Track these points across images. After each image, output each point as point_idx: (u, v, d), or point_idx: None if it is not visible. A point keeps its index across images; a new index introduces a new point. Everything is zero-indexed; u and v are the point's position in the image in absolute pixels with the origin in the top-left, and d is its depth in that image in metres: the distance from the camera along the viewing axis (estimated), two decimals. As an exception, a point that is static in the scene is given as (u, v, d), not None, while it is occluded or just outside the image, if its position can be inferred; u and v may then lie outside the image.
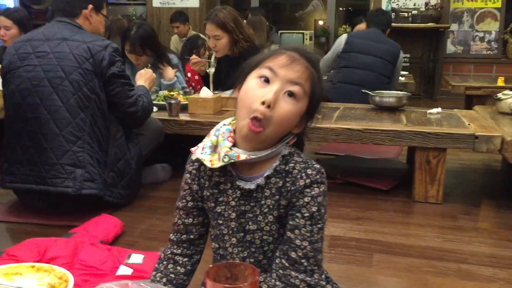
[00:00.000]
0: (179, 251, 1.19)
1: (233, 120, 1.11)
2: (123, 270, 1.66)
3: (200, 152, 1.08)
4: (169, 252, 1.20)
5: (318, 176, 1.06)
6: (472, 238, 2.10)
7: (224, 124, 1.11)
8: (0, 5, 6.36)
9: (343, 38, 3.93)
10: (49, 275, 0.95)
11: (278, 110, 1.01)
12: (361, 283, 1.71)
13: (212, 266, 0.80)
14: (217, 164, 1.05)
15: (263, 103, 0.99)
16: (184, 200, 1.18)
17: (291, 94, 1.02)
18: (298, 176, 1.05)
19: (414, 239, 2.08)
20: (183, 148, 3.17)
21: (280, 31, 6.51)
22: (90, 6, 2.36)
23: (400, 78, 4.24)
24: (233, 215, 1.10)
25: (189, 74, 3.93)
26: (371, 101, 3.06)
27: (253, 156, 1.03)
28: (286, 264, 1.05)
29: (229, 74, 3.40)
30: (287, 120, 1.03)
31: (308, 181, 1.05)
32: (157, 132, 2.64)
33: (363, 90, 3.16)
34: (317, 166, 1.09)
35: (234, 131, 1.09)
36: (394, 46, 3.78)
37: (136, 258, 1.74)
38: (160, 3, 6.99)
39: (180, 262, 1.19)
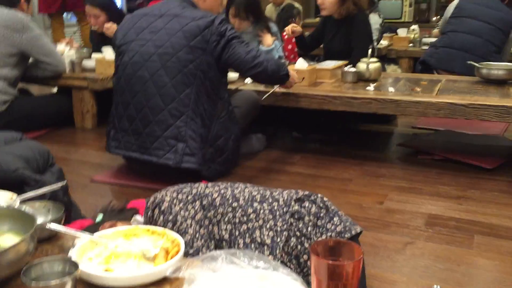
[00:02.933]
0: None
1: None
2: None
3: None
4: None
5: None
6: None
7: None
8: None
9: (454, 3, 3.73)
10: (162, 239, 1.02)
11: None
12: (460, 265, 1.66)
13: (316, 241, 0.82)
14: None
15: None
16: None
17: None
18: None
19: (520, 223, 1.96)
20: (277, 119, 3.25)
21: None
22: None
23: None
24: None
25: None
26: (477, 73, 2.88)
27: None
28: None
29: (334, 37, 3.38)
30: None
31: None
32: (254, 104, 2.69)
33: (468, 61, 2.97)
34: None
35: None
36: (509, 14, 3.49)
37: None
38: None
39: None
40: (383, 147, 3.03)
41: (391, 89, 2.69)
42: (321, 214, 1.28)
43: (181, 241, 0.99)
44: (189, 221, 1.25)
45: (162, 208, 1.26)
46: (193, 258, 0.89)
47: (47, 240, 1.07)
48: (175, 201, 1.27)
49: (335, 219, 1.29)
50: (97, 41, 3.88)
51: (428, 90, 2.66)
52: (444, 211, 2.07)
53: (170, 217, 1.24)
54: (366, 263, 1.63)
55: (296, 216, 1.25)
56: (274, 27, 3.48)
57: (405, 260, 1.69)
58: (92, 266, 0.93)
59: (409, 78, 3.13)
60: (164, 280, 0.91)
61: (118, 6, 3.87)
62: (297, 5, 5.48)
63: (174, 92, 2.25)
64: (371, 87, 2.74)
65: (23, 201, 1.14)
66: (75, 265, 0.85)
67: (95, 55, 3.60)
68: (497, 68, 2.85)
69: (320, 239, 1.27)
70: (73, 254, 0.94)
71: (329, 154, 2.81)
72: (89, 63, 3.53)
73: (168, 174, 2.34)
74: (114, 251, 0.98)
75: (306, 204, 1.29)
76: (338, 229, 1.28)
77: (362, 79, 2.93)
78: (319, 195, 1.32)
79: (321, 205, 1.30)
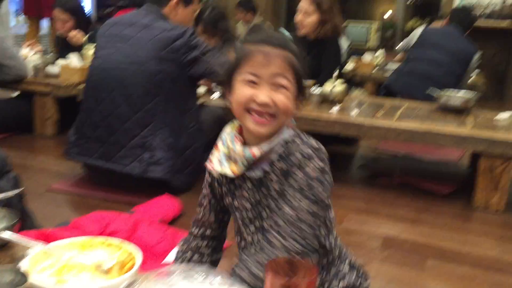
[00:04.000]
0: (204, 243, 1.24)
1: (232, 125, 1.15)
2: (173, 256, 1.71)
3: (219, 166, 1.12)
4: (193, 245, 1.24)
5: (316, 153, 1.09)
6: (534, 252, 2.03)
7: (227, 132, 1.14)
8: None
9: (418, 31, 3.88)
10: (119, 251, 1.01)
11: (278, 104, 1.04)
12: (412, 287, 1.70)
13: (272, 259, 0.83)
14: (239, 170, 1.08)
15: (260, 104, 1.04)
16: (206, 198, 1.23)
17: (280, 86, 1.05)
18: (299, 156, 1.08)
19: (471, 247, 2.03)
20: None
21: (346, 21, 6.42)
22: None
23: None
24: (248, 205, 1.13)
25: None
26: (436, 101, 2.98)
27: (265, 148, 1.06)
28: (271, 230, 1.06)
29: (305, 58, 3.42)
30: (287, 108, 1.06)
31: (305, 157, 1.08)
32: (219, 120, 2.69)
33: (428, 89, 3.08)
34: (316, 145, 1.11)
35: (240, 132, 1.12)
36: (469, 47, 3.65)
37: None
38: (228, -12, 7.03)
39: (206, 253, 1.23)
40: (345, 168, 3.09)
41: (354, 112, 2.76)
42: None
43: (137, 254, 0.98)
44: None
45: None
46: (148, 273, 0.88)
47: (-3, 249, 1.04)
48: None
49: None
50: (62, 46, 3.82)
51: (389, 115, 2.73)
52: (400, 233, 2.13)
53: None
54: None
55: None
56: None
57: (360, 280, 1.72)
58: (43, 277, 0.91)
59: (372, 102, 3.21)
60: (118, 293, 0.90)
61: (86, 14, 3.83)
62: (267, 22, 5.56)
63: (141, 102, 2.24)
64: (335, 109, 2.80)
65: (-26, 208, 1.10)
66: (24, 277, 0.83)
67: (59, 61, 3.54)
68: (455, 97, 2.97)
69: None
70: (24, 264, 0.92)
71: (292, 173, 2.84)
72: (53, 69, 3.47)
73: (134, 184, 2.31)
74: (68, 263, 0.96)
75: None
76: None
77: (327, 100, 2.99)
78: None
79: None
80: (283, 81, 1.06)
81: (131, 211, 2.05)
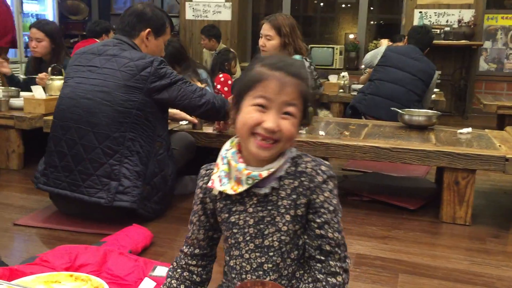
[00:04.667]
0: (194, 262, 1.27)
1: (232, 143, 1.17)
2: (147, 283, 1.69)
3: (219, 185, 1.14)
4: (183, 263, 1.27)
5: (331, 171, 1.17)
6: (501, 262, 2.07)
7: (227, 149, 1.16)
8: (39, 15, 6.60)
9: (381, 49, 3.98)
10: (86, 284, 1.00)
11: (282, 131, 1.09)
12: (385, 304, 1.71)
13: (244, 282, 0.84)
14: (241, 188, 1.11)
15: (266, 130, 1.08)
16: (197, 215, 1.25)
17: (288, 113, 1.10)
18: (314, 173, 1.14)
19: (441, 261, 2.06)
20: (212, 160, 3.26)
21: (310, 45, 6.55)
22: (148, 29, 2.43)
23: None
24: (251, 221, 1.15)
25: (218, 86, 4.01)
26: (400, 119, 3.06)
27: (272, 170, 1.09)
28: (322, 258, 1.15)
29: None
30: (292, 135, 1.11)
31: (325, 176, 1.14)
32: (189, 147, 2.70)
33: (392, 108, 3.16)
34: (327, 162, 1.19)
35: (239, 151, 1.14)
36: (429, 66, 3.78)
37: (161, 270, 1.77)
38: (193, 15, 7.13)
39: (196, 271, 1.26)
40: (315, 188, 3.11)
41: (321, 132, 2.80)
42: None
43: (105, 286, 0.96)
44: None
45: None
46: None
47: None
48: None
49: None
50: (32, 70, 3.82)
51: (356, 134, 2.79)
52: (371, 250, 2.15)
53: None
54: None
55: None
56: (203, 73, 3.52)
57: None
58: (8, 315, 0.89)
59: (339, 122, 3.27)
60: (86, 328, 0.88)
61: (61, 40, 3.84)
62: (232, 49, 5.62)
63: (108, 130, 2.23)
64: (303, 130, 2.83)
65: None
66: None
67: (23, 94, 3.49)
68: (418, 114, 3.05)
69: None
70: (-13, 303, 0.89)
71: (263, 196, 2.84)
72: (17, 102, 3.41)
73: (102, 213, 2.27)
74: (33, 299, 0.94)
75: None
76: None
77: (294, 122, 3.03)
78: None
79: None
80: (292, 109, 1.09)
81: (99, 242, 2.02)
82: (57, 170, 2.31)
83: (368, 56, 4.18)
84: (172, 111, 2.67)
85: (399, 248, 2.18)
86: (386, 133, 2.85)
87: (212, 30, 5.96)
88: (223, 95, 3.88)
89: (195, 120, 2.86)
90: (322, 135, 2.76)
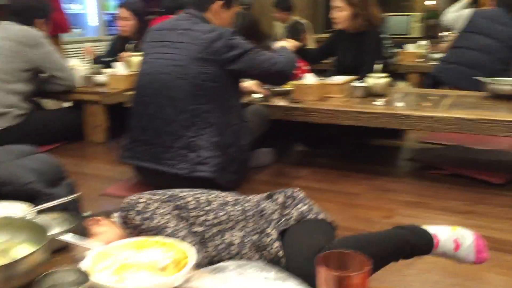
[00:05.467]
0: None
1: None
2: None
3: None
4: None
5: None
6: None
7: None
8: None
9: (465, 12, 3.75)
10: (172, 250, 1.04)
11: None
12: (468, 280, 1.65)
13: (324, 253, 0.83)
14: None
15: None
16: None
17: None
18: None
19: (530, 238, 1.95)
20: (286, 134, 3.27)
21: (385, 14, 6.29)
22: (220, 2, 2.46)
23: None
24: None
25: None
26: (486, 88, 2.88)
27: None
28: None
29: (345, 51, 3.43)
30: None
31: None
32: (263, 119, 2.72)
33: (475, 77, 2.99)
34: None
35: None
36: None
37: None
38: (266, -13, 7.05)
39: None
40: (392, 161, 3.03)
41: (399, 104, 2.71)
42: (288, 204, 1.39)
43: (191, 252, 1.00)
44: (167, 217, 1.29)
45: (138, 208, 1.30)
46: (203, 269, 0.90)
47: (59, 251, 1.09)
48: (150, 201, 1.32)
49: (300, 205, 1.38)
50: (117, 48, 4.01)
51: (437, 105, 2.67)
52: (454, 225, 2.06)
53: (147, 215, 1.28)
54: (374, 278, 1.63)
55: (262, 213, 1.36)
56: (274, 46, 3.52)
57: (415, 275, 1.69)
58: (104, 276, 0.95)
59: (417, 93, 3.14)
60: (175, 290, 0.93)
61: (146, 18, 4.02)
62: (304, 21, 5.53)
63: (184, 104, 2.30)
64: (379, 101, 2.75)
65: (38, 212, 1.16)
66: (85, 276, 0.87)
67: (107, 70, 3.66)
68: (505, 83, 2.86)
69: (283, 227, 1.35)
70: (84, 265, 0.96)
71: (337, 169, 2.82)
72: (101, 78, 3.59)
73: (182, 184, 2.35)
74: (125, 262, 1.00)
75: (275, 197, 1.40)
76: (302, 209, 1.37)
77: (371, 94, 2.95)
78: (291, 188, 1.43)
79: (288, 194, 1.41)
80: None
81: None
82: (140, 144, 2.42)
83: (450, 16, 3.93)
84: (243, 84, 2.69)
85: (485, 223, 2.08)
86: (470, 104, 2.70)
87: (284, 2, 5.89)
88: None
89: (267, 92, 2.87)
90: (400, 106, 2.67)
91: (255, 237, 1.33)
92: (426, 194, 2.43)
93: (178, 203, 1.36)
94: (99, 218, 1.34)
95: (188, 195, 1.40)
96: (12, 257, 0.94)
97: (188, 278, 0.90)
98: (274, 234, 1.32)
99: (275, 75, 2.44)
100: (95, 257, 0.99)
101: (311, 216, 1.36)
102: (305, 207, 1.38)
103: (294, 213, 1.37)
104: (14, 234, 1.03)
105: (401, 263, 1.76)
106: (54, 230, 1.11)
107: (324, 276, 0.80)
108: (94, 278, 0.89)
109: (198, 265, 1.26)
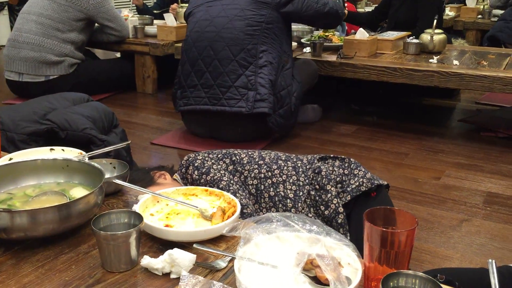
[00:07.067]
0: None
1: None
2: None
3: None
4: None
5: None
6: None
7: None
8: None
9: None
10: (219, 199, 1.07)
11: None
12: (517, 245, 1.61)
13: (370, 209, 0.83)
14: None
15: None
16: None
17: None
18: None
19: None
20: (335, 91, 3.22)
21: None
22: None
23: None
24: None
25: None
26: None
27: None
28: None
29: (400, 6, 3.31)
30: None
31: None
32: (312, 73, 2.69)
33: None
34: None
35: None
36: None
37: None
38: None
39: None
40: (444, 122, 2.94)
41: (455, 62, 2.60)
42: (345, 166, 1.43)
43: (237, 202, 1.02)
44: (222, 172, 1.42)
45: (196, 164, 1.44)
46: (248, 219, 0.92)
47: (112, 195, 1.14)
48: (207, 158, 1.46)
49: (356, 171, 1.42)
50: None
51: (496, 65, 2.54)
52: (505, 190, 2.01)
53: (204, 170, 1.42)
54: (419, 237, 1.62)
55: (317, 171, 1.40)
56: None
57: (460, 237, 1.67)
58: (153, 221, 0.99)
59: (475, 51, 3.00)
60: (221, 238, 0.96)
61: None
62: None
63: (241, 43, 2.36)
64: (434, 59, 2.65)
65: (91, 158, 1.21)
66: (140, 218, 0.90)
67: (157, 22, 3.68)
68: None
69: (340, 189, 1.40)
70: (136, 209, 1.00)
71: (386, 128, 2.77)
72: (151, 29, 3.61)
73: (240, 123, 2.42)
74: (174, 208, 1.04)
75: (330, 161, 1.46)
76: (368, 175, 1.40)
77: (425, 51, 2.84)
78: (344, 156, 1.48)
79: (346, 160, 1.46)
80: None
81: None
82: (197, 88, 2.47)
83: None
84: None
85: (538, 189, 2.01)
86: (532, 64, 2.55)
87: None
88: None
89: None
90: (456, 64, 2.56)
91: (312, 192, 1.38)
92: (477, 156, 2.36)
93: (233, 158, 1.47)
94: (164, 172, 1.44)
95: (242, 152, 1.50)
96: (70, 197, 0.99)
97: (234, 227, 0.93)
98: (333, 191, 1.37)
99: (328, 15, 2.49)
100: (146, 202, 1.02)
101: (376, 182, 1.39)
102: (369, 174, 1.41)
103: (353, 179, 1.40)
104: (72, 176, 1.08)
105: (447, 224, 1.75)
106: (108, 175, 1.16)
107: (370, 232, 0.80)
108: (145, 221, 0.93)
109: (248, 215, 1.31)
